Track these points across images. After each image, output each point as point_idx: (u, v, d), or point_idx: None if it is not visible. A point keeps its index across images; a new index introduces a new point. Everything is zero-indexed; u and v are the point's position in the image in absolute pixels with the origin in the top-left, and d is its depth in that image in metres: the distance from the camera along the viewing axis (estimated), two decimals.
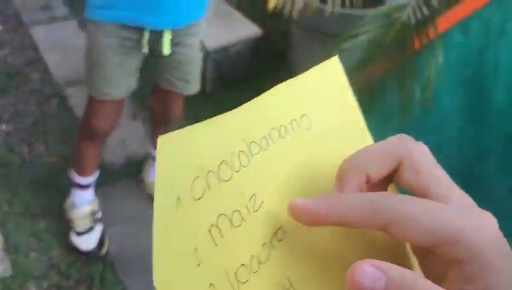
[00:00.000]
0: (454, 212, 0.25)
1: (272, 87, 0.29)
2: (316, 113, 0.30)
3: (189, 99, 1.71)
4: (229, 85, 2.33)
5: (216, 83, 2.33)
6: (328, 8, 1.44)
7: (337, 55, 0.32)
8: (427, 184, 0.26)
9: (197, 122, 0.27)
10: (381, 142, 0.28)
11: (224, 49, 2.30)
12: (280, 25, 2.42)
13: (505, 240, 0.25)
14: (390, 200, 0.24)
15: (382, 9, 1.88)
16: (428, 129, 1.71)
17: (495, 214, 0.28)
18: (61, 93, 2.28)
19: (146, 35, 1.35)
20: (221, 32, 2.28)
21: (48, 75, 2.38)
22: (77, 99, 2.24)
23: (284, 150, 0.29)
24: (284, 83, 0.29)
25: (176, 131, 0.25)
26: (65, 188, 1.74)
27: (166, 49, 1.37)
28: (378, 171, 0.27)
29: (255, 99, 0.28)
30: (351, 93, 0.32)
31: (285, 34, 2.44)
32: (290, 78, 0.30)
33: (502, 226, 0.27)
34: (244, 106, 0.28)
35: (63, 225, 1.72)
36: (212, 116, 0.27)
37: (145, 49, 1.38)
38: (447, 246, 0.24)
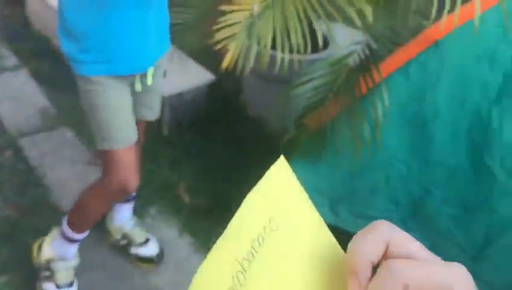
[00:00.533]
0: (442, 267, 0.32)
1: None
2: (278, 214, 0.36)
3: (148, 143, 1.75)
4: (185, 129, 2.39)
5: (172, 127, 2.38)
6: (278, 55, 1.53)
7: (282, 156, 0.37)
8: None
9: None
10: (371, 231, 0.34)
11: (180, 95, 2.37)
12: (232, 72, 2.51)
13: (473, 281, 0.32)
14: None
15: (330, 56, 2.00)
16: (377, 166, 1.81)
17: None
18: (16, 144, 2.26)
19: (138, 77, 1.45)
20: (177, 78, 2.35)
21: (1, 126, 2.36)
22: (32, 150, 2.23)
23: (267, 255, 0.34)
24: (247, 197, 0.35)
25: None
26: (25, 240, 1.72)
27: (149, 81, 1.47)
28: (378, 258, 0.34)
29: (233, 220, 0.34)
30: (300, 188, 0.38)
31: (237, 80, 2.54)
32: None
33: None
34: (226, 229, 0.33)
35: (24, 279, 1.69)
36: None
37: (139, 87, 1.46)
38: None
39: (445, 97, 1.56)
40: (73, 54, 1.38)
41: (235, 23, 1.47)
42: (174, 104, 2.35)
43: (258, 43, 1.54)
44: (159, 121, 1.67)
